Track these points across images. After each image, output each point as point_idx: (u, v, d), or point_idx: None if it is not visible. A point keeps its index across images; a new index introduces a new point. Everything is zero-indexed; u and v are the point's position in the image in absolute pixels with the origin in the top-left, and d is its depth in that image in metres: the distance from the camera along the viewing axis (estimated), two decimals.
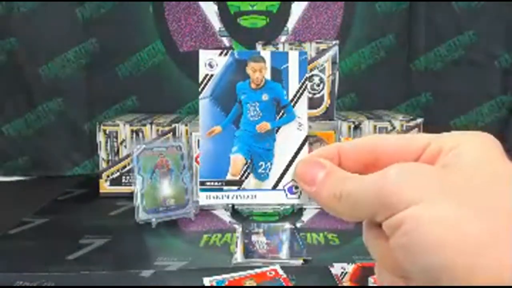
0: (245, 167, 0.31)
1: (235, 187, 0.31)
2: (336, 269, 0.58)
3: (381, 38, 1.10)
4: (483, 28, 1.07)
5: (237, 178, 0.31)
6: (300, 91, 0.31)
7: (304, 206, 0.84)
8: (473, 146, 0.21)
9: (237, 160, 0.31)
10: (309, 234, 0.73)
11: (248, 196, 0.31)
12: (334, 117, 0.88)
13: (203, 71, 0.31)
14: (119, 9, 1.07)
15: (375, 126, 0.92)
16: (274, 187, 0.30)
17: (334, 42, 0.87)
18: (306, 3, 1.10)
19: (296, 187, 0.30)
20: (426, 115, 1.03)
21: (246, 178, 0.31)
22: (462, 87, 1.09)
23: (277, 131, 0.31)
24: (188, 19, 1.09)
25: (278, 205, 0.84)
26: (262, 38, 0.98)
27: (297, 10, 1.10)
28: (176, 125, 0.92)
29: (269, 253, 0.65)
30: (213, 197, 0.31)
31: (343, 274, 0.56)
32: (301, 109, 0.31)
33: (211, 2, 1.09)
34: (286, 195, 0.30)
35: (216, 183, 0.31)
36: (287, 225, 0.74)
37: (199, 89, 0.31)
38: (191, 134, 0.85)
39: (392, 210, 0.20)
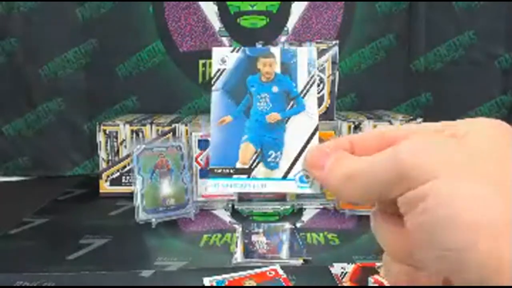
0: (254, 156, 0.31)
1: (245, 176, 0.31)
2: (336, 269, 0.58)
3: (381, 38, 1.10)
4: (483, 28, 1.07)
5: (246, 166, 0.31)
6: (309, 83, 0.32)
7: (304, 206, 0.85)
8: (487, 129, 0.21)
9: (246, 148, 0.31)
10: (309, 234, 0.73)
11: (257, 185, 0.30)
12: (334, 117, 0.88)
13: (216, 66, 0.33)
14: (119, 9, 1.07)
15: (375, 126, 0.92)
16: (285, 176, 0.30)
17: (334, 42, 0.87)
18: (306, 3, 1.10)
19: (308, 177, 0.29)
20: (426, 115, 1.03)
21: (256, 166, 0.31)
22: (462, 87, 1.09)
23: (287, 121, 0.31)
24: (188, 19, 1.09)
25: (278, 204, 0.84)
26: (262, 38, 0.99)
27: (297, 10, 1.10)
28: (176, 125, 0.92)
29: (269, 253, 0.65)
30: (222, 185, 0.31)
31: (343, 274, 0.57)
32: (311, 101, 0.32)
33: (211, 2, 1.09)
34: (297, 184, 0.30)
35: (225, 171, 0.31)
36: (287, 225, 0.74)
37: (212, 82, 0.32)
38: (191, 134, 0.85)
39: (410, 184, 0.19)
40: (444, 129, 0.22)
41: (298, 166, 0.30)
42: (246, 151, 0.31)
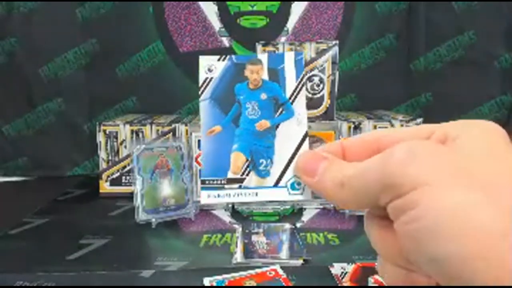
0: (245, 165, 0.31)
1: (236, 185, 0.31)
2: (336, 269, 0.58)
3: (381, 38, 1.10)
4: (483, 28, 1.07)
5: (238, 175, 0.31)
6: (298, 88, 0.32)
7: (304, 206, 0.85)
8: (479, 133, 0.20)
9: (237, 158, 0.31)
10: (309, 234, 0.73)
11: (249, 194, 0.31)
12: (334, 117, 0.88)
13: (202, 75, 0.32)
14: (119, 9, 1.07)
15: (375, 126, 0.92)
16: (276, 184, 0.30)
17: (334, 42, 0.87)
18: (306, 3, 1.10)
19: (299, 183, 0.30)
20: (426, 115, 1.03)
21: (247, 175, 0.31)
22: (462, 87, 1.09)
23: (276, 128, 0.31)
24: (188, 19, 1.09)
25: (278, 204, 0.84)
26: (262, 38, 0.99)
27: (297, 10, 1.10)
28: (176, 125, 0.92)
29: (269, 253, 0.65)
30: (215, 196, 0.31)
31: (343, 274, 0.57)
32: (300, 106, 0.31)
33: (211, 2, 1.09)
34: (289, 191, 0.30)
35: (217, 182, 0.31)
36: (287, 225, 0.74)
37: (199, 92, 0.32)
38: (191, 134, 0.85)
39: (398, 191, 0.19)
40: (435, 131, 0.22)
41: (289, 173, 0.30)
42: (237, 161, 0.31)
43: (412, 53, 1.11)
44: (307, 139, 0.31)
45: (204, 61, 0.33)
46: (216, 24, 1.10)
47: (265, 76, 0.32)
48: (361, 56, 1.11)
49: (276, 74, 0.32)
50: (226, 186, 0.31)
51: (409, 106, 1.13)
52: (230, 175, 0.31)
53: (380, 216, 0.23)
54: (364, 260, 0.61)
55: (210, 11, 1.09)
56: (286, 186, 0.30)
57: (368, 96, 1.11)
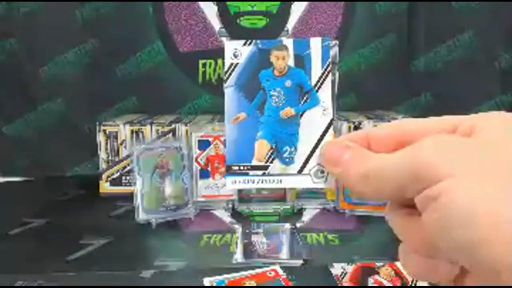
0: (270, 152, 0.31)
1: (261, 172, 0.31)
2: (336, 269, 0.58)
3: (381, 38, 1.10)
4: (483, 28, 1.07)
5: (262, 162, 0.31)
6: (324, 76, 0.31)
7: (304, 206, 0.84)
8: (505, 124, 0.21)
9: (261, 145, 0.31)
10: (309, 234, 0.73)
11: (273, 181, 0.31)
12: (334, 117, 0.88)
13: (228, 60, 0.32)
14: (119, 9, 1.07)
15: (375, 126, 0.92)
16: (300, 172, 0.30)
17: (334, 42, 0.87)
18: (306, 3, 1.10)
19: (322, 171, 0.30)
20: (426, 115, 1.03)
21: (271, 163, 0.31)
22: (462, 87, 1.09)
23: (301, 116, 0.31)
24: (188, 19, 1.09)
25: (278, 204, 0.84)
26: (262, 38, 0.98)
27: (297, 10, 1.10)
28: (176, 125, 0.92)
29: (269, 253, 0.65)
30: (239, 182, 0.31)
31: (343, 274, 0.57)
32: (325, 94, 0.31)
33: (211, 2, 1.09)
34: (312, 179, 0.30)
35: (242, 168, 0.31)
36: (287, 225, 0.74)
37: (225, 78, 0.32)
38: (191, 134, 0.85)
39: (427, 183, 0.20)
40: (462, 123, 0.23)
41: (313, 161, 0.30)
42: (261, 148, 0.31)
43: (412, 53, 1.11)
44: (331, 128, 0.30)
45: (230, 46, 0.33)
46: (216, 24, 1.10)
47: (291, 62, 0.32)
48: (361, 56, 1.11)
49: (301, 60, 0.31)
50: (250, 172, 0.31)
51: (409, 106, 1.13)
52: (254, 162, 0.31)
53: (403, 206, 0.23)
54: (364, 260, 0.61)
55: (210, 11, 1.09)
56: (309, 174, 0.30)
57: (368, 96, 1.11)
